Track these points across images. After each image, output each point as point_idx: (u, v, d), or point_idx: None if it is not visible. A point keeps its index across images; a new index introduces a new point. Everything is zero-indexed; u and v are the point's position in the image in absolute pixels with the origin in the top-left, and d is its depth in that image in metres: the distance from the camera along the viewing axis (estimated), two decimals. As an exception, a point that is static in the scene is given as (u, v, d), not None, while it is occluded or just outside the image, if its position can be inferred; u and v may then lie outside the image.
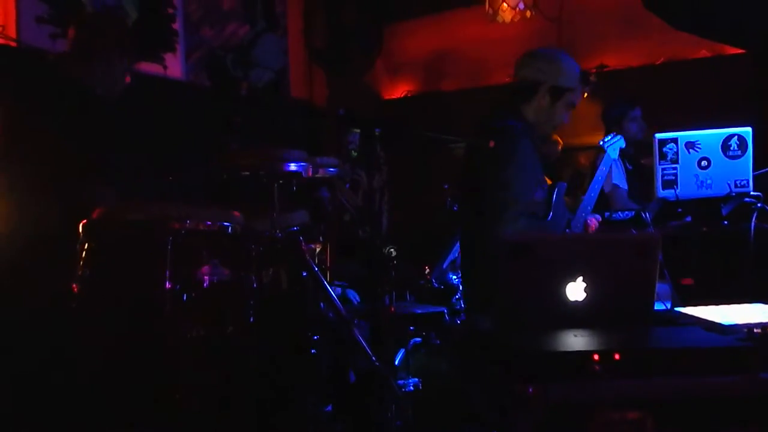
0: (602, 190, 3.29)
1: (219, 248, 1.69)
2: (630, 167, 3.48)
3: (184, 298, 1.60)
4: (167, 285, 1.56)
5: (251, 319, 1.71)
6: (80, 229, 1.67)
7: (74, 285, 1.62)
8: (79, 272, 1.63)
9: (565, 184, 2.43)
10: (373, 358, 1.86)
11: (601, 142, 2.70)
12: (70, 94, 1.99)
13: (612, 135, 2.74)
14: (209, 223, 1.70)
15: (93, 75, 2.04)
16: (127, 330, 1.60)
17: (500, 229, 1.99)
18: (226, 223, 1.73)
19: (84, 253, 1.64)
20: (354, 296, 2.81)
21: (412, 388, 2.42)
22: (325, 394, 2.01)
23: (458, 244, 3.83)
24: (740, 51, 3.87)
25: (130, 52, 2.19)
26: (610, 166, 2.69)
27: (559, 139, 4.01)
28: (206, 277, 1.63)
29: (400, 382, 2.39)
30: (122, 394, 1.57)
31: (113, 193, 1.91)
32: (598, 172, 2.57)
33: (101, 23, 2.21)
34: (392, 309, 2.39)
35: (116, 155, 2.07)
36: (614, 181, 3.38)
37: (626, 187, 3.41)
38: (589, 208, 2.48)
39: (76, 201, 1.79)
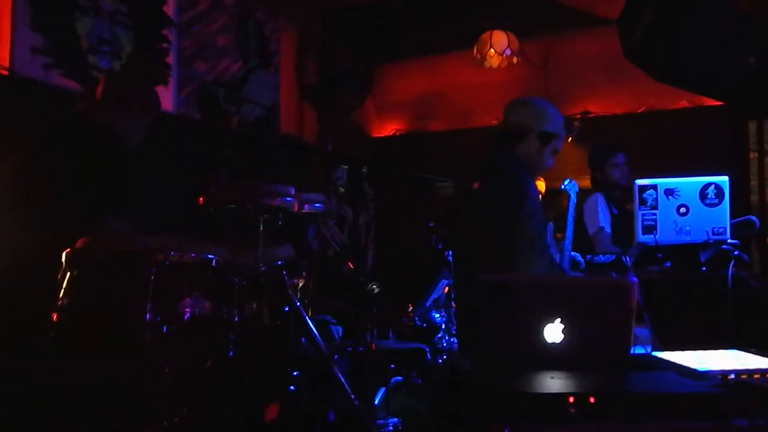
0: (587, 232, 3.38)
1: (201, 281, 1.69)
2: (616, 211, 3.54)
3: (164, 330, 1.59)
4: (148, 317, 1.55)
5: (231, 354, 1.69)
6: (63, 258, 1.67)
7: (54, 314, 1.60)
8: (59, 302, 1.61)
9: (552, 224, 2.58)
10: (353, 396, 1.84)
11: (562, 187, 3.05)
12: (91, 135, 2.06)
13: (568, 180, 3.11)
14: (193, 255, 1.69)
15: (114, 125, 2.13)
16: (105, 361, 1.57)
17: (530, 263, 2.02)
18: (210, 256, 1.73)
19: (65, 282, 1.63)
20: (336, 331, 2.80)
21: (391, 428, 2.38)
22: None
23: (441, 282, 3.85)
24: (718, 102, 4.01)
25: (151, 115, 2.28)
26: (574, 207, 3.02)
27: (542, 179, 4.12)
28: (187, 310, 1.62)
29: (380, 422, 2.35)
30: (97, 428, 1.54)
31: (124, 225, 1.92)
32: (569, 213, 2.91)
33: (130, 84, 2.30)
34: (372, 346, 2.37)
35: (129, 189, 2.10)
36: (600, 224, 3.44)
37: (610, 231, 3.46)
38: (570, 247, 2.70)
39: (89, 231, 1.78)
